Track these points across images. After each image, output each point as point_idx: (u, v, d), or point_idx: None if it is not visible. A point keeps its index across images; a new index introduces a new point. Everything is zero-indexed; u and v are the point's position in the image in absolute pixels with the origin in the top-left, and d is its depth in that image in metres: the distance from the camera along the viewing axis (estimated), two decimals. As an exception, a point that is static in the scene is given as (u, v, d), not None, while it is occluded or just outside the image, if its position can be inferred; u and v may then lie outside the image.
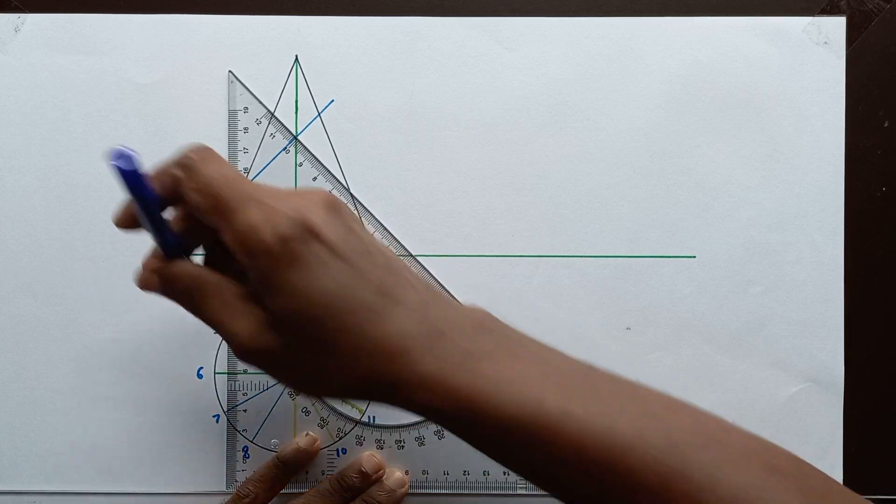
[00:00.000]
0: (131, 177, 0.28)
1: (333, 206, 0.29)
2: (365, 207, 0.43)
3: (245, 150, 0.42)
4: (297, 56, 0.43)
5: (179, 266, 0.30)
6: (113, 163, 0.28)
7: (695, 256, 0.43)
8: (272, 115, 0.41)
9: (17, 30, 0.43)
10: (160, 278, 0.31)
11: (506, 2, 0.43)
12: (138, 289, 0.31)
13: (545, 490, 0.29)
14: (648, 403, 0.28)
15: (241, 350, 0.29)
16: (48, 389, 0.43)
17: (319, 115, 0.43)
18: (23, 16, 0.43)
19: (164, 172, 0.29)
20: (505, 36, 0.43)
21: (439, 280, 0.43)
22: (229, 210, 0.28)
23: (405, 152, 0.43)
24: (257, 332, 0.28)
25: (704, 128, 0.43)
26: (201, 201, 0.28)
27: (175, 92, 0.43)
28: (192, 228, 0.31)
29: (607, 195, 0.43)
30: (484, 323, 0.30)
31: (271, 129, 0.42)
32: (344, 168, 0.43)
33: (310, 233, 0.27)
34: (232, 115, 0.42)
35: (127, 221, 0.30)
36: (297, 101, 0.43)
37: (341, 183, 0.43)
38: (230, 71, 0.42)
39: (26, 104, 0.43)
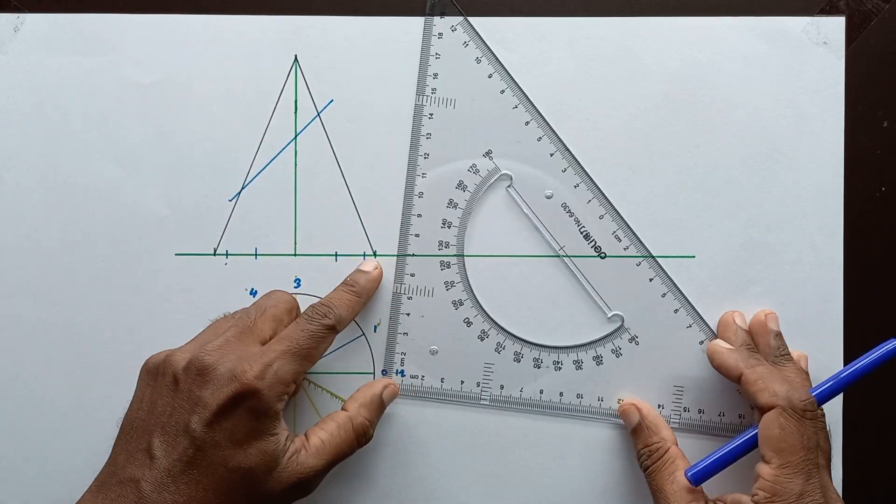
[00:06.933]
0: None
1: None
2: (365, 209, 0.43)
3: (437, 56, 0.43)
4: (296, 56, 0.43)
5: None
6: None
7: (694, 256, 0.43)
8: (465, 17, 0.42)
9: (16, 30, 0.43)
10: None
11: (505, 2, 0.43)
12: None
13: None
14: None
15: None
16: (48, 389, 0.43)
17: (319, 115, 0.43)
18: (22, 16, 0.43)
19: None
20: (504, 36, 0.43)
21: (439, 280, 0.43)
22: None
23: (405, 152, 0.43)
24: None
25: (704, 128, 0.43)
26: None
27: (175, 92, 0.43)
28: None
29: (606, 195, 0.43)
30: None
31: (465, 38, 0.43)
32: (343, 168, 0.43)
33: None
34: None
35: None
36: (296, 101, 0.43)
37: (345, 182, 0.43)
38: None
39: (26, 104, 0.43)
